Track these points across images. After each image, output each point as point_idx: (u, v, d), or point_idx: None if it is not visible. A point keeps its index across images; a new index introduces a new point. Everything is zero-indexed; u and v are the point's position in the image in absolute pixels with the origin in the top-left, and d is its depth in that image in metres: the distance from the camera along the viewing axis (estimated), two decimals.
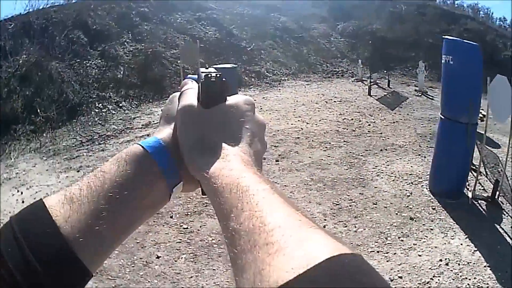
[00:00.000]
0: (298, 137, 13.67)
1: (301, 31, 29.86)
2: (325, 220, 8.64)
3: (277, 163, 11.55)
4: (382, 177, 10.81)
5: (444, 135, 9.99)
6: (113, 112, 16.02)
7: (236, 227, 0.64)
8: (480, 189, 10.29)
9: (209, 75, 0.90)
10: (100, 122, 14.88)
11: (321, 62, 27.84)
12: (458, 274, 7.12)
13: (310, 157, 12.04)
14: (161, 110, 1.02)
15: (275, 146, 12.74)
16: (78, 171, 10.60)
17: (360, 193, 9.86)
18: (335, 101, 19.17)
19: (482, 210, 9.53)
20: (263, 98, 19.55)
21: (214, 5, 27.90)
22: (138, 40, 21.49)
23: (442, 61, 9.97)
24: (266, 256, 0.56)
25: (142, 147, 0.88)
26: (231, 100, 0.93)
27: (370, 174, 10.99)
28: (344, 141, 13.54)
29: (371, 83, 22.14)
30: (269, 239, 0.58)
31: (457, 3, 45.80)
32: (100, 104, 16.22)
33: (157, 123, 13.82)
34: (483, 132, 9.95)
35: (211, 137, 0.86)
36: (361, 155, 12.33)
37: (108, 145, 12.69)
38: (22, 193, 9.82)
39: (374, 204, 9.38)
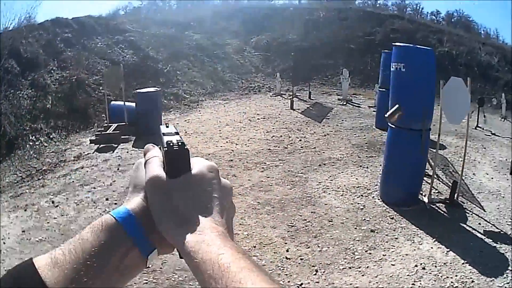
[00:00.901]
0: (231, 159, 13.53)
1: (215, 48, 30.02)
2: (285, 244, 8.48)
3: None
4: (329, 193, 10.84)
5: (395, 144, 10.12)
6: (46, 144, 15.67)
7: None
8: (434, 192, 10.60)
9: (171, 143, 0.93)
10: (35, 155, 14.49)
11: (236, 79, 28.08)
12: (438, 275, 7.35)
13: (249, 179, 11.90)
14: (129, 176, 1.03)
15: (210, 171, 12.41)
16: (25, 210, 10.16)
17: (312, 212, 9.81)
18: (258, 118, 19.17)
19: (443, 212, 9.84)
20: (185, 121, 19.42)
21: (131, 27, 27.88)
22: (63, 67, 21.21)
23: (392, 69, 10.12)
24: None
25: (114, 218, 0.91)
26: (195, 168, 0.95)
27: (316, 191, 10.97)
28: (279, 160, 13.50)
29: (292, 97, 22.26)
30: None
31: (379, 3, 46.45)
32: (33, 137, 15.85)
33: (87, 153, 13.65)
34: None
35: (183, 208, 0.89)
36: (301, 173, 12.30)
37: (47, 180, 12.26)
38: None
39: (329, 221, 9.37)
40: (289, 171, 12.53)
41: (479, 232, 8.93)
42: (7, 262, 7.84)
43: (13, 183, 12.66)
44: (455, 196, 10.15)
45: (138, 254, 0.90)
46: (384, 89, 16.64)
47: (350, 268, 7.64)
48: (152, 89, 17.53)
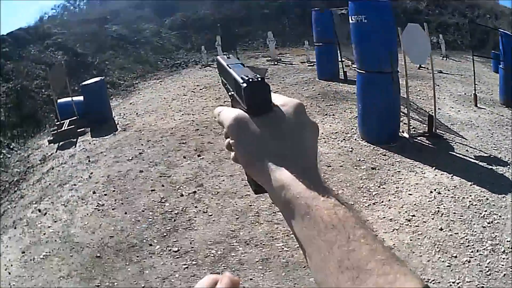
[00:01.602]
0: (197, 129, 12.38)
1: (134, 35, 28.93)
2: None
3: (201, 157, 10.33)
4: None
5: (368, 88, 10.06)
6: (8, 155, 14.18)
7: (339, 251, 0.60)
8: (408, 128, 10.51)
9: (250, 79, 0.74)
10: (2, 169, 12.91)
11: (161, 59, 27.04)
12: (455, 197, 7.31)
13: None
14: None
15: (183, 142, 11.44)
16: (15, 228, 8.57)
17: None
18: (201, 89, 17.89)
19: (427, 144, 9.79)
20: (131, 103, 17.85)
21: (56, 30, 26.66)
22: (7, 79, 19.80)
23: (352, 22, 10.08)
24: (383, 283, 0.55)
25: None
26: (282, 105, 0.78)
27: None
28: None
29: None
30: (383, 271, 0.56)
31: None
32: None
33: (51, 154, 12.64)
34: None
35: (275, 148, 0.73)
36: None
37: (24, 190, 10.70)
38: None
39: (328, 166, 8.93)
40: None
41: (471, 158, 8.97)
42: None
43: None
44: (433, 129, 10.21)
45: None
46: (320, 44, 17.68)
47: (374, 203, 7.43)
48: (95, 79, 16.29)
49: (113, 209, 8.34)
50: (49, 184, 10.43)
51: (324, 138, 10.35)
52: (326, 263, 0.60)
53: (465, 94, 14.33)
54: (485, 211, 6.86)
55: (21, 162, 13.24)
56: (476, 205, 7.03)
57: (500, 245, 6.09)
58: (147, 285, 6.10)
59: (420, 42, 9.76)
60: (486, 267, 5.73)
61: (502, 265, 5.74)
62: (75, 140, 13.47)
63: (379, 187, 7.88)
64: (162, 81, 22.15)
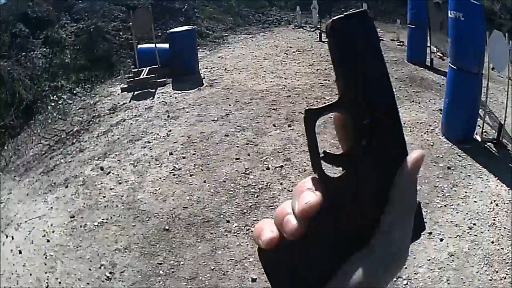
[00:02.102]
0: (289, 95, 12.30)
1: None
2: None
3: (291, 128, 10.27)
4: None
5: (456, 84, 10.53)
6: (70, 101, 14.01)
7: None
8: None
9: None
10: (60, 116, 12.78)
11: (253, 13, 26.68)
12: (508, 211, 7.61)
13: None
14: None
15: (274, 108, 11.42)
16: (66, 187, 8.41)
17: None
18: (293, 52, 17.66)
19: (494, 152, 10.03)
20: (219, 57, 17.71)
21: None
22: (77, 19, 19.61)
23: (451, 16, 10.55)
24: None
25: None
26: None
27: None
28: (336, 94, 11.78)
29: (320, 28, 20.75)
30: None
31: None
32: (55, 96, 14.11)
33: (123, 104, 12.37)
34: None
35: None
36: None
37: (84, 143, 10.54)
38: (13, 237, 7.24)
39: None
40: None
41: None
42: (60, 269, 6.33)
43: (40, 156, 10.70)
44: (501, 137, 10.55)
45: None
46: (413, 26, 17.67)
47: (445, 206, 7.85)
48: (186, 28, 16.29)
49: (190, 176, 8.31)
50: (118, 138, 10.33)
51: (409, 127, 10.54)
52: None
53: None
54: None
55: (85, 110, 13.03)
56: None
57: None
58: (217, 268, 6.15)
59: (502, 50, 10.16)
60: None
61: None
62: (153, 91, 13.38)
63: (451, 188, 8.34)
64: (254, 37, 21.95)
